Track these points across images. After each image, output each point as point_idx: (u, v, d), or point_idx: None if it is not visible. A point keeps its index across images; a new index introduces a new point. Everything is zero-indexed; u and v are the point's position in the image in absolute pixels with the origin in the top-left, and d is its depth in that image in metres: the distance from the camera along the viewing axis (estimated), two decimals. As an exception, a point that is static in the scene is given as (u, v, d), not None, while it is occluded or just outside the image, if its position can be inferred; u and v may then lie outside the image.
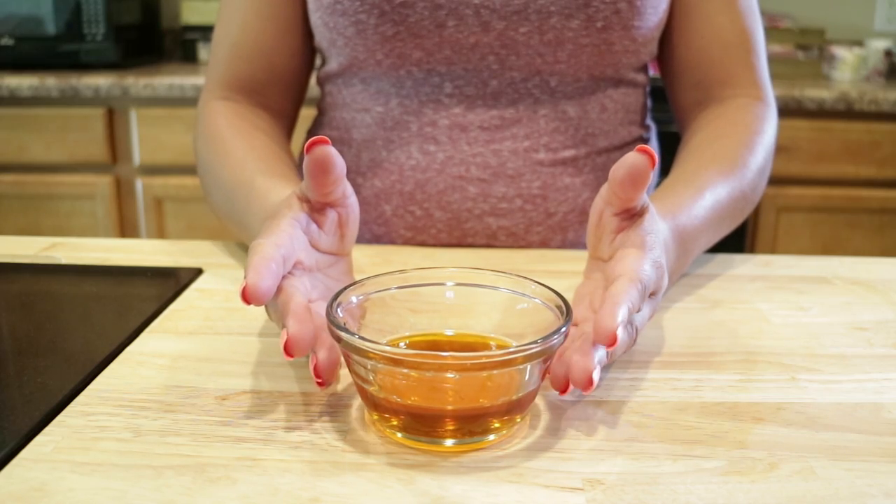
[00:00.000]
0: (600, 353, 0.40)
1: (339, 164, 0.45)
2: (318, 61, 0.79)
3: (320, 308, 0.45)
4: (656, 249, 0.46)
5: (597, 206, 0.50)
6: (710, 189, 0.61)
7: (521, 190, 0.71)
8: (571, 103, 0.71)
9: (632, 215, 0.47)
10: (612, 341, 0.39)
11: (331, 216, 0.49)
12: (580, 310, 0.48)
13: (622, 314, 0.39)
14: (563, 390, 0.41)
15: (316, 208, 0.48)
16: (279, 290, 0.43)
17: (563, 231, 0.73)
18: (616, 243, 0.48)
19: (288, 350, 0.39)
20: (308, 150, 0.45)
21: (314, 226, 0.48)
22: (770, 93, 0.73)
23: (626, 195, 0.46)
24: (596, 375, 0.39)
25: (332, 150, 0.45)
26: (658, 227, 0.49)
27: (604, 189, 0.49)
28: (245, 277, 0.41)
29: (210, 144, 0.69)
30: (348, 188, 0.49)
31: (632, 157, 0.44)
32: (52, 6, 1.96)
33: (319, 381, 0.41)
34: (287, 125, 0.78)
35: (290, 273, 0.45)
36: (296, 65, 0.75)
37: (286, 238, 0.44)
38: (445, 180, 0.71)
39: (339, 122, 0.75)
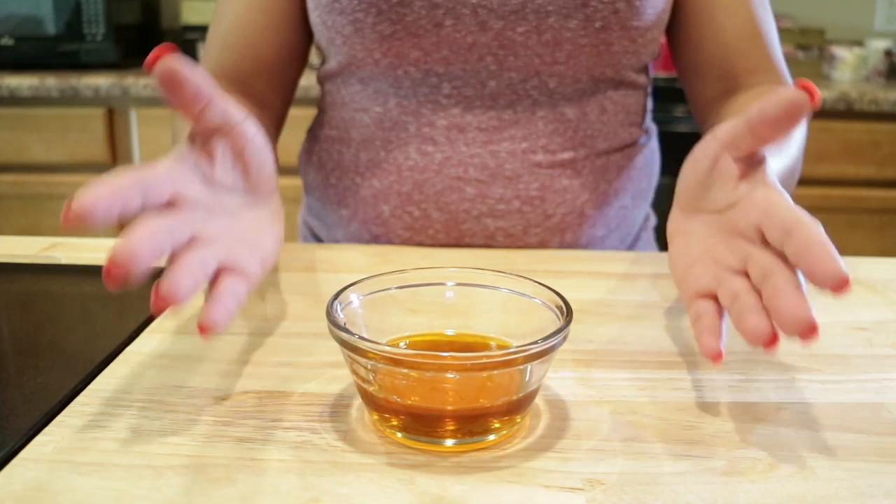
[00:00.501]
0: (807, 300, 0.37)
1: (195, 76, 0.41)
2: (317, 60, 0.79)
3: (208, 250, 0.40)
4: (789, 197, 0.43)
5: (709, 151, 0.45)
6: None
7: (519, 191, 0.71)
8: (570, 105, 0.71)
9: (754, 161, 0.44)
10: (845, 284, 0.36)
11: (220, 147, 0.44)
12: (705, 273, 0.44)
13: (839, 256, 0.36)
14: (771, 343, 0.38)
15: (203, 141, 0.44)
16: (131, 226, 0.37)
17: (562, 233, 0.73)
18: (739, 191, 0.44)
19: (107, 274, 0.34)
20: (151, 64, 0.39)
21: (204, 160, 0.44)
22: (790, 79, 0.73)
23: (770, 135, 0.42)
24: (815, 321, 0.36)
25: (177, 63, 0.40)
26: (775, 175, 0.45)
27: (723, 132, 0.45)
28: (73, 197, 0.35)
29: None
30: (235, 113, 0.44)
31: (790, 92, 0.40)
32: (52, 6, 1.96)
33: (158, 309, 0.36)
34: (273, 116, 0.76)
35: (171, 206, 0.40)
36: (284, 58, 0.75)
37: (152, 168, 0.39)
38: (443, 181, 0.71)
39: (338, 121, 0.75)
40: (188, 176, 0.42)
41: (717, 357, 0.40)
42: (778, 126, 0.41)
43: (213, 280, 0.40)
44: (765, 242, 0.41)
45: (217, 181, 0.44)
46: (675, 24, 0.74)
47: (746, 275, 0.42)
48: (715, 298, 0.43)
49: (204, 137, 0.44)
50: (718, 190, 0.45)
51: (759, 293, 0.40)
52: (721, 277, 0.43)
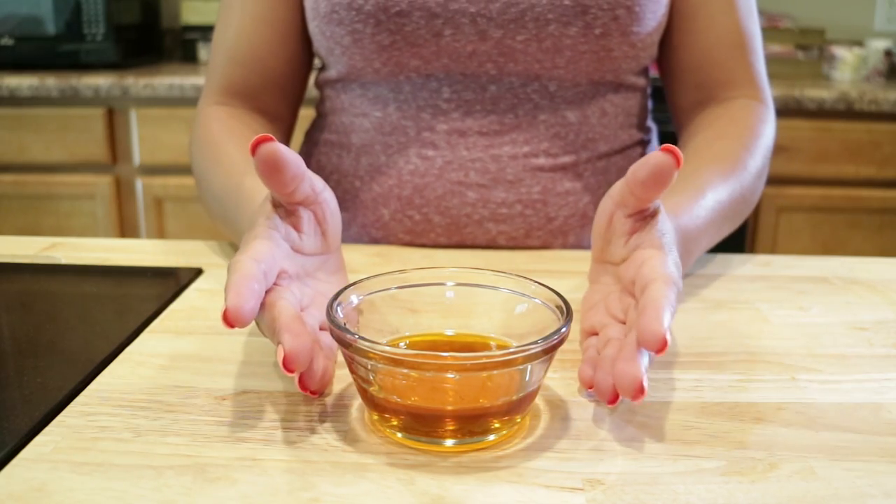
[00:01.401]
0: (644, 360, 0.39)
1: (292, 159, 0.43)
2: (317, 63, 0.78)
3: (311, 317, 0.44)
4: (674, 250, 0.45)
5: (605, 209, 0.48)
6: (711, 190, 0.60)
7: (520, 195, 0.71)
8: (571, 108, 0.71)
9: (644, 216, 0.47)
10: (662, 346, 0.38)
11: (306, 216, 0.47)
12: (596, 316, 0.47)
13: (668, 318, 0.39)
14: (613, 401, 0.41)
15: (289, 211, 0.46)
16: (266, 304, 0.41)
17: (564, 235, 0.73)
18: (630, 245, 0.47)
19: (287, 366, 0.38)
20: (253, 151, 0.43)
21: (292, 231, 0.46)
22: (769, 94, 0.74)
23: (646, 196, 0.45)
24: (646, 382, 0.38)
25: (279, 147, 0.43)
26: (669, 226, 0.48)
27: (614, 191, 0.48)
28: (226, 300, 0.38)
29: (203, 149, 0.69)
30: (317, 183, 0.47)
31: (656, 157, 0.43)
32: (52, 6, 1.97)
33: (311, 393, 0.40)
34: (283, 128, 0.78)
35: (275, 284, 0.43)
36: (292, 69, 0.75)
37: (265, 251, 0.42)
38: (444, 185, 0.71)
39: (338, 126, 0.75)
40: (285, 250, 0.45)
41: (589, 386, 0.43)
42: (648, 187, 0.45)
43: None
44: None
45: (303, 249, 0.47)
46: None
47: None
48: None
49: (289, 208, 0.47)
50: (616, 245, 0.48)
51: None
52: (605, 323, 0.47)
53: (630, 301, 0.45)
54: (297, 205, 0.46)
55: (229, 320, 0.38)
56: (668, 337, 0.38)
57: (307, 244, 0.47)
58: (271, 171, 0.43)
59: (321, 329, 0.45)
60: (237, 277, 0.39)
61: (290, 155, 0.43)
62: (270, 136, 0.43)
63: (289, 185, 0.44)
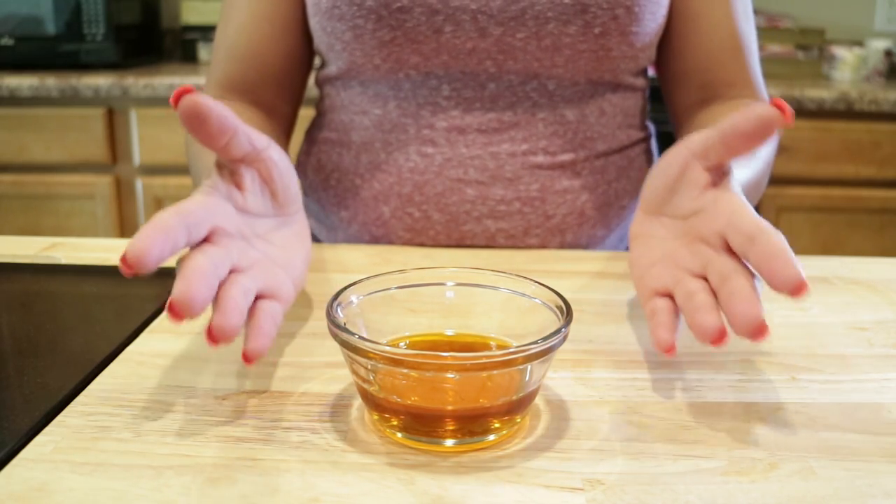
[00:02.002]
0: (760, 303, 0.39)
1: (217, 111, 0.42)
2: (317, 61, 0.79)
3: (247, 279, 0.42)
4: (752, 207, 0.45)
5: (679, 159, 0.47)
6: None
7: (519, 193, 0.71)
8: (570, 107, 0.71)
9: (721, 172, 0.46)
10: (800, 288, 0.38)
11: (248, 175, 0.46)
12: (665, 273, 0.46)
13: (798, 263, 0.38)
14: (718, 340, 0.40)
15: (232, 171, 0.46)
16: (183, 259, 0.40)
17: (562, 233, 0.73)
18: (705, 199, 0.46)
19: (171, 311, 0.37)
20: (175, 102, 0.41)
21: (235, 189, 0.45)
22: (766, 94, 0.75)
23: (743, 147, 0.44)
24: (765, 322, 0.38)
25: (201, 98, 0.41)
26: (740, 188, 0.47)
27: (694, 141, 0.46)
28: (127, 246, 0.37)
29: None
30: (258, 140, 0.46)
31: (763, 108, 0.42)
32: (52, 6, 1.97)
33: (213, 342, 0.38)
34: (282, 124, 0.78)
35: (206, 241, 0.41)
36: (290, 66, 0.75)
37: (192, 206, 0.41)
38: (444, 182, 0.71)
39: (338, 123, 0.75)
40: (223, 208, 0.44)
41: (670, 350, 0.42)
42: (749, 140, 0.43)
43: (252, 308, 0.42)
44: (726, 250, 0.43)
45: (248, 208, 0.46)
46: (662, 33, 0.74)
47: (704, 279, 0.44)
48: (670, 298, 0.45)
49: (231, 167, 0.46)
50: (685, 196, 0.47)
51: (714, 296, 0.42)
52: (679, 278, 0.45)
53: (709, 254, 0.44)
54: (237, 163, 0.45)
55: (127, 263, 0.37)
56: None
57: (252, 204, 0.46)
58: (194, 122, 0.42)
59: (261, 297, 0.43)
60: (146, 227, 0.38)
61: (216, 107, 0.42)
62: (192, 87, 0.42)
63: (217, 137, 0.43)
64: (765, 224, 0.41)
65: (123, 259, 0.37)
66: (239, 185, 0.46)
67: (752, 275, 0.41)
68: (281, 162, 0.48)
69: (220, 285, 0.40)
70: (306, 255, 0.50)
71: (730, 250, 0.43)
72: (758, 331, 0.38)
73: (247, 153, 0.45)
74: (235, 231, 0.44)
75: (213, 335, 0.38)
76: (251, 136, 0.45)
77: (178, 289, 0.37)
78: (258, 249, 0.45)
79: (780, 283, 0.38)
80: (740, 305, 0.39)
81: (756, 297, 0.39)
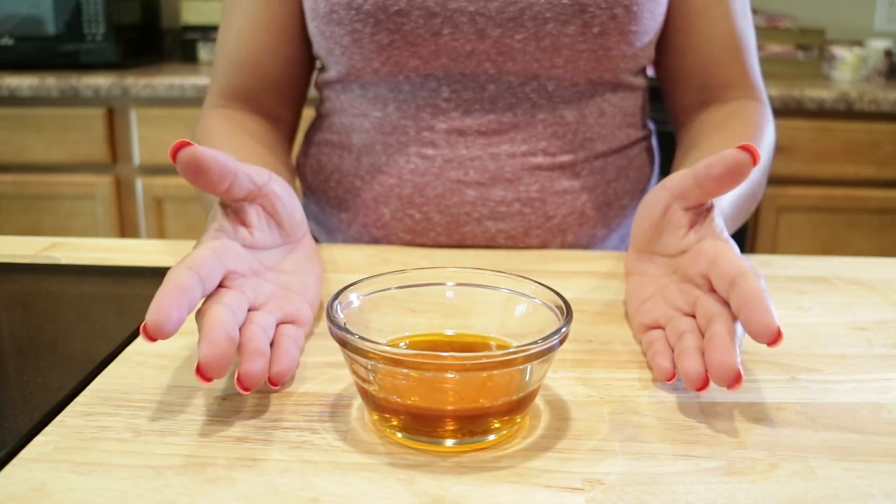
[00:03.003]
0: (738, 352, 0.40)
1: (215, 159, 0.43)
2: (317, 64, 0.79)
3: (268, 314, 0.43)
4: (735, 246, 0.46)
5: (660, 200, 0.48)
6: None
7: (519, 193, 0.71)
8: (569, 108, 0.71)
9: (701, 211, 0.47)
10: (776, 338, 0.39)
11: (253, 211, 0.47)
12: (656, 309, 0.47)
13: (773, 310, 0.39)
14: (702, 387, 0.41)
15: (235, 209, 0.46)
16: (201, 312, 0.41)
17: (562, 234, 0.73)
18: (689, 238, 0.47)
19: (199, 374, 0.38)
20: (174, 157, 0.42)
21: (241, 228, 0.46)
22: (765, 94, 0.75)
23: (717, 191, 0.45)
24: (741, 371, 0.39)
25: (198, 150, 0.42)
26: (723, 223, 0.48)
27: (673, 182, 0.48)
28: (147, 313, 0.38)
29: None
30: (258, 176, 0.47)
31: (733, 154, 0.44)
32: (52, 6, 1.97)
33: (244, 390, 0.40)
34: (285, 130, 0.78)
35: (221, 287, 0.43)
36: (291, 72, 0.75)
37: (202, 257, 0.42)
38: (444, 184, 0.71)
39: (338, 126, 0.75)
40: (232, 250, 0.45)
41: (671, 378, 0.44)
42: (722, 183, 0.45)
43: (274, 334, 0.44)
44: (712, 290, 0.45)
45: (257, 244, 0.47)
46: (661, 32, 0.74)
47: (693, 316, 0.46)
48: (664, 330, 0.47)
49: (235, 206, 0.47)
50: (670, 236, 0.49)
51: (702, 334, 0.44)
52: (670, 315, 0.47)
53: (697, 293, 0.46)
54: (240, 202, 0.46)
55: (149, 334, 0.37)
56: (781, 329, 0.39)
57: (261, 238, 0.47)
58: (195, 173, 0.43)
59: (282, 323, 0.45)
60: (164, 289, 0.39)
61: (213, 155, 0.43)
62: (187, 140, 0.43)
63: (218, 184, 0.44)
64: (745, 267, 0.43)
65: (144, 329, 0.37)
66: (245, 223, 0.47)
67: (734, 317, 0.43)
68: (283, 193, 0.49)
69: (241, 329, 0.42)
70: (318, 275, 0.52)
71: (715, 290, 0.45)
72: (733, 380, 0.39)
73: (249, 192, 0.46)
74: (247, 270, 0.45)
75: (242, 382, 0.39)
76: (251, 174, 0.46)
77: (204, 352, 0.38)
78: (271, 281, 0.47)
79: (755, 331, 0.39)
80: (716, 354, 0.40)
81: (731, 344, 0.40)
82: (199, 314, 0.41)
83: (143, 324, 0.38)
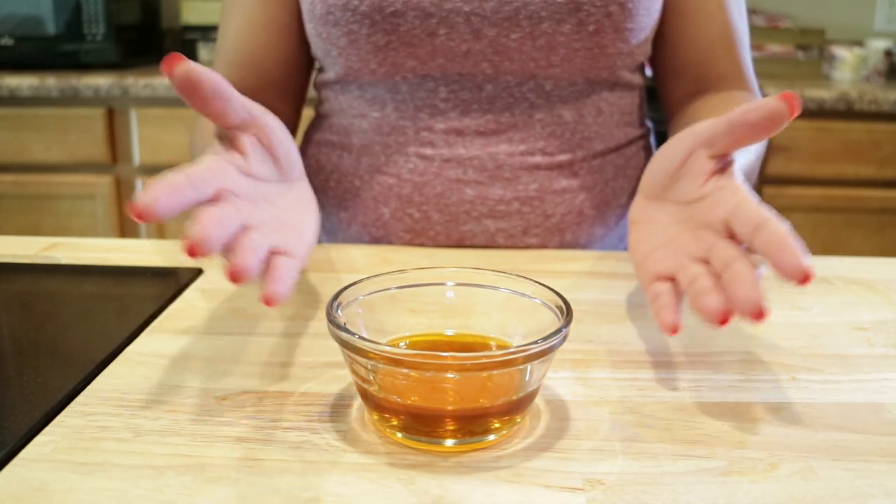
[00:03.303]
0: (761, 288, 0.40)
1: (211, 77, 0.43)
2: (316, 64, 0.79)
3: (260, 236, 0.41)
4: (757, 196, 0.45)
5: (684, 146, 0.47)
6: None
7: (517, 192, 0.71)
8: (567, 107, 0.71)
9: (725, 162, 0.46)
10: (807, 276, 0.38)
11: (248, 140, 0.46)
12: (667, 259, 0.46)
13: (804, 250, 0.39)
14: (724, 321, 0.40)
15: (231, 138, 0.46)
16: (193, 214, 0.39)
17: (561, 233, 0.73)
18: (709, 186, 0.46)
19: (190, 250, 0.37)
20: (170, 71, 0.42)
21: (237, 155, 0.46)
22: (756, 85, 0.76)
23: (750, 138, 0.44)
24: (766, 304, 0.39)
25: (192, 65, 0.42)
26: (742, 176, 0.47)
27: (701, 129, 0.47)
28: (138, 197, 0.37)
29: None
30: (253, 107, 0.46)
31: (772, 102, 0.43)
32: (52, 6, 1.96)
33: (234, 280, 0.38)
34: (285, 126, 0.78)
35: (216, 200, 0.41)
36: (289, 71, 0.76)
37: (198, 168, 0.41)
38: (443, 183, 0.71)
39: (337, 127, 0.76)
40: (228, 171, 0.44)
41: (674, 329, 0.43)
42: (757, 131, 0.44)
43: (267, 260, 0.42)
44: (729, 237, 0.44)
45: (253, 173, 0.46)
46: (657, 28, 0.74)
47: (706, 263, 0.44)
48: (672, 282, 0.46)
49: (230, 135, 0.46)
50: (688, 183, 0.47)
51: (717, 280, 0.43)
52: (682, 263, 0.45)
53: (712, 240, 0.44)
54: (234, 129, 0.46)
55: (137, 211, 0.37)
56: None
57: (256, 168, 0.46)
58: (188, 88, 0.42)
59: (274, 253, 0.42)
60: (155, 183, 0.38)
61: (207, 73, 0.43)
62: (180, 55, 0.42)
63: (212, 104, 0.44)
64: (770, 213, 0.42)
65: (134, 207, 0.37)
66: (241, 151, 0.46)
67: (754, 263, 0.42)
68: (278, 128, 0.48)
69: (233, 238, 0.40)
70: (315, 221, 0.50)
71: (732, 237, 0.44)
72: (759, 312, 0.39)
73: (243, 119, 0.46)
74: (242, 192, 0.44)
75: (233, 274, 0.38)
76: (245, 103, 0.46)
77: (195, 230, 0.37)
78: (266, 211, 0.45)
79: (787, 270, 0.39)
80: (741, 288, 0.39)
81: (757, 282, 0.40)
82: (193, 215, 0.40)
83: (131, 204, 0.37)
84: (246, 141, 0.46)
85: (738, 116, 0.44)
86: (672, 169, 0.48)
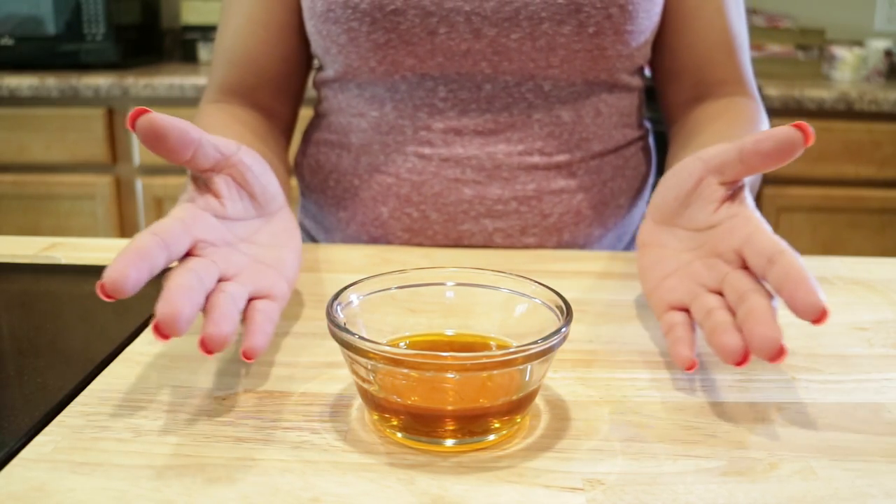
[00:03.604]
0: (778, 325, 0.39)
1: (175, 126, 0.42)
2: (315, 63, 0.79)
3: (239, 285, 0.42)
4: (768, 225, 0.45)
5: (694, 172, 0.47)
6: None
7: (515, 192, 0.71)
8: (566, 108, 0.71)
9: (736, 188, 0.46)
10: (823, 315, 0.38)
11: (222, 182, 0.46)
12: (680, 287, 0.46)
13: (819, 287, 0.39)
14: (742, 362, 0.40)
15: (205, 180, 0.46)
16: (166, 277, 0.40)
17: (559, 232, 0.73)
18: (720, 214, 0.46)
19: (156, 330, 0.37)
20: (132, 124, 0.41)
21: (212, 198, 0.45)
22: (756, 90, 0.76)
23: (761, 167, 0.44)
24: (784, 344, 0.38)
25: (157, 116, 0.42)
26: (753, 203, 0.47)
27: (711, 155, 0.47)
28: (104, 273, 0.37)
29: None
30: (225, 147, 0.46)
31: (785, 131, 0.42)
32: (52, 6, 1.97)
33: (206, 352, 0.38)
34: (281, 125, 0.78)
35: (190, 255, 0.42)
36: (288, 69, 0.76)
37: (168, 224, 0.41)
38: (441, 182, 0.71)
39: (336, 126, 0.76)
40: (202, 220, 0.44)
41: (692, 366, 0.42)
42: (769, 160, 0.44)
43: (247, 309, 0.43)
44: (743, 266, 0.44)
45: (228, 215, 0.46)
46: (656, 31, 0.74)
47: (720, 293, 0.44)
48: (686, 311, 0.46)
49: (204, 177, 0.46)
50: (699, 210, 0.47)
51: (732, 312, 0.42)
52: (695, 293, 0.45)
53: (725, 269, 0.44)
54: (208, 172, 0.46)
55: (105, 292, 0.37)
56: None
57: (232, 210, 0.46)
58: (154, 140, 0.42)
59: (255, 298, 0.44)
60: (124, 251, 0.38)
61: (173, 122, 0.42)
62: (145, 108, 0.42)
63: (179, 152, 0.43)
64: (784, 245, 0.41)
65: (101, 287, 0.37)
66: (215, 194, 0.46)
67: (770, 294, 0.42)
68: (254, 164, 0.48)
69: (208, 296, 0.41)
70: (296, 249, 0.50)
71: (745, 267, 0.43)
72: (777, 353, 0.38)
73: (216, 161, 0.46)
74: (218, 240, 0.44)
75: (206, 345, 0.38)
76: (217, 144, 0.45)
77: (161, 309, 0.37)
78: (245, 253, 0.46)
79: (800, 308, 0.38)
80: (759, 327, 0.39)
81: (774, 318, 0.39)
82: (165, 279, 0.40)
83: (99, 284, 0.37)
84: (220, 182, 0.46)
85: (750, 146, 0.44)
86: (682, 194, 0.48)
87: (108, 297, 0.37)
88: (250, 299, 0.44)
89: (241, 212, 0.47)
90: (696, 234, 0.47)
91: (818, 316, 0.38)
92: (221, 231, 0.45)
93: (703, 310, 0.43)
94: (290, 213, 0.52)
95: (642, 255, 0.51)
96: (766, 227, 0.44)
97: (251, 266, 0.45)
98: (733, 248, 0.44)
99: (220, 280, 0.42)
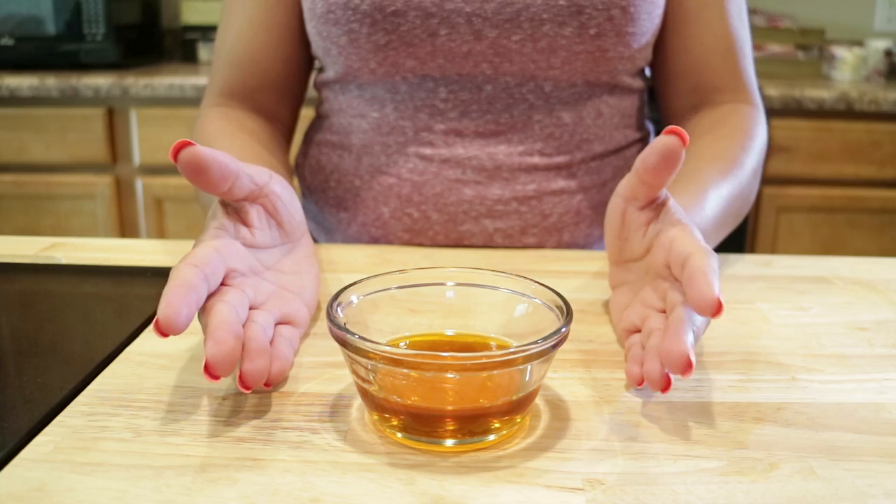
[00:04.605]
0: (690, 338, 0.40)
1: (216, 159, 0.43)
2: (316, 64, 0.79)
3: (266, 313, 0.44)
4: (695, 227, 0.46)
5: (616, 208, 0.49)
6: (714, 188, 0.61)
7: (516, 192, 0.71)
8: (566, 109, 0.71)
9: (656, 206, 0.48)
10: (717, 309, 0.39)
11: (254, 211, 0.47)
12: (634, 313, 0.48)
13: (716, 282, 0.40)
14: (665, 388, 0.41)
15: (237, 209, 0.47)
16: (205, 308, 0.41)
17: (559, 232, 0.73)
18: (649, 236, 0.48)
19: (207, 373, 0.38)
20: (175, 156, 0.43)
21: (242, 227, 0.47)
22: (758, 97, 0.75)
23: (657, 180, 0.46)
24: (692, 358, 0.39)
25: (199, 150, 0.43)
26: (682, 210, 0.49)
27: (622, 187, 0.49)
28: (158, 309, 0.38)
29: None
30: (259, 176, 0.47)
31: (662, 140, 0.44)
32: (52, 6, 1.97)
33: (246, 388, 0.40)
34: (282, 128, 0.78)
35: (223, 285, 0.43)
36: (289, 71, 0.76)
37: (206, 255, 0.42)
38: (442, 182, 0.71)
39: (337, 127, 0.76)
40: (234, 250, 0.45)
41: (639, 382, 0.44)
42: (661, 171, 0.45)
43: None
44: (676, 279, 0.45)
45: (257, 243, 0.47)
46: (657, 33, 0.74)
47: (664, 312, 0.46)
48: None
49: (236, 205, 0.47)
50: (634, 240, 0.49)
51: None
52: (645, 315, 0.47)
53: (666, 285, 0.46)
54: (241, 201, 0.47)
55: (161, 330, 0.38)
56: (723, 300, 0.39)
57: (261, 238, 0.48)
58: (196, 174, 0.43)
59: (279, 324, 0.45)
60: (172, 286, 0.39)
61: (214, 155, 0.43)
62: (188, 140, 0.43)
63: (219, 184, 0.44)
64: (696, 246, 0.43)
65: (157, 325, 0.38)
66: (246, 223, 0.47)
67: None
68: (284, 193, 0.49)
69: (243, 327, 0.42)
70: (316, 275, 0.52)
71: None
72: (684, 367, 0.39)
73: (250, 192, 0.47)
74: (247, 269, 0.46)
75: (245, 382, 0.40)
76: (252, 175, 0.47)
77: (212, 351, 0.38)
78: (270, 281, 0.47)
79: (696, 304, 0.40)
80: (665, 342, 0.40)
81: (682, 329, 0.40)
82: (203, 312, 0.41)
83: (155, 320, 0.38)
84: (252, 212, 0.47)
85: (640, 165, 0.46)
86: (616, 232, 0.50)
87: (164, 334, 0.38)
88: (275, 325, 0.45)
89: (268, 240, 0.48)
90: (641, 263, 0.49)
91: (713, 309, 0.39)
92: (250, 260, 0.46)
93: (647, 333, 0.45)
94: (310, 239, 0.54)
95: (611, 297, 0.53)
96: (687, 231, 0.45)
97: (276, 293, 0.47)
98: (663, 262, 0.46)
99: (248, 308, 0.44)
